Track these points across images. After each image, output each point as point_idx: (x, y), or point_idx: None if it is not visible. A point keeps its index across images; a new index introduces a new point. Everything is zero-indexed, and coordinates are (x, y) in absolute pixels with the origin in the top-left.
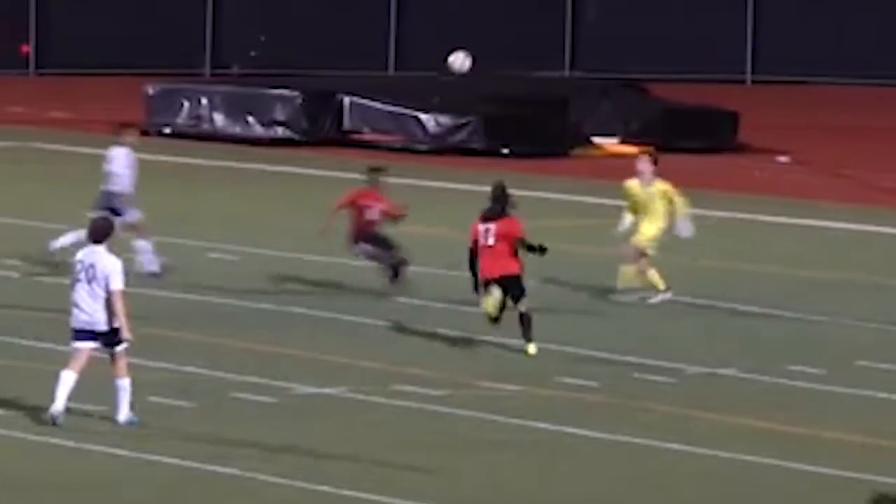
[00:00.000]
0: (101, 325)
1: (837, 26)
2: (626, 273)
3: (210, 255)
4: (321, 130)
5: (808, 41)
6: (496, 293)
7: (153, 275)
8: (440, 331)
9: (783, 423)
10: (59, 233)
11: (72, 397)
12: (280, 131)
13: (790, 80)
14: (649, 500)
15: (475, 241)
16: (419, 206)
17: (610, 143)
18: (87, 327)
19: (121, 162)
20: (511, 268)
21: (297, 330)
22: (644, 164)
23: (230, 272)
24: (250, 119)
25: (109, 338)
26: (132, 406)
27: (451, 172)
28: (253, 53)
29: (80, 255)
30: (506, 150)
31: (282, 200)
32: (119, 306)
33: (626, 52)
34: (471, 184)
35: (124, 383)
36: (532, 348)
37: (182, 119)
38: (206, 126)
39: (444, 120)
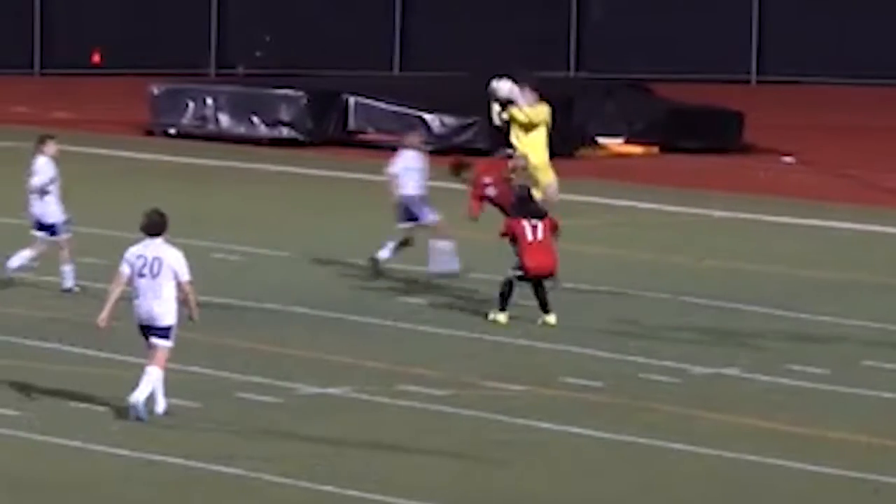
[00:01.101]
0: (162, 321)
1: (842, 26)
2: None
3: (214, 255)
4: (326, 131)
5: (812, 41)
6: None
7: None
8: (444, 331)
9: (787, 423)
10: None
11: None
12: (285, 131)
13: (795, 80)
14: (653, 500)
15: (515, 237)
16: None
17: (615, 144)
18: (149, 322)
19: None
20: (556, 260)
21: (302, 330)
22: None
23: (235, 272)
24: (255, 119)
25: (160, 332)
26: (148, 401)
27: None
28: (258, 53)
29: (136, 250)
30: (510, 151)
31: (286, 200)
32: (192, 296)
33: (631, 53)
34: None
35: (153, 371)
36: (552, 318)
37: (187, 119)
38: (211, 126)
39: (449, 120)
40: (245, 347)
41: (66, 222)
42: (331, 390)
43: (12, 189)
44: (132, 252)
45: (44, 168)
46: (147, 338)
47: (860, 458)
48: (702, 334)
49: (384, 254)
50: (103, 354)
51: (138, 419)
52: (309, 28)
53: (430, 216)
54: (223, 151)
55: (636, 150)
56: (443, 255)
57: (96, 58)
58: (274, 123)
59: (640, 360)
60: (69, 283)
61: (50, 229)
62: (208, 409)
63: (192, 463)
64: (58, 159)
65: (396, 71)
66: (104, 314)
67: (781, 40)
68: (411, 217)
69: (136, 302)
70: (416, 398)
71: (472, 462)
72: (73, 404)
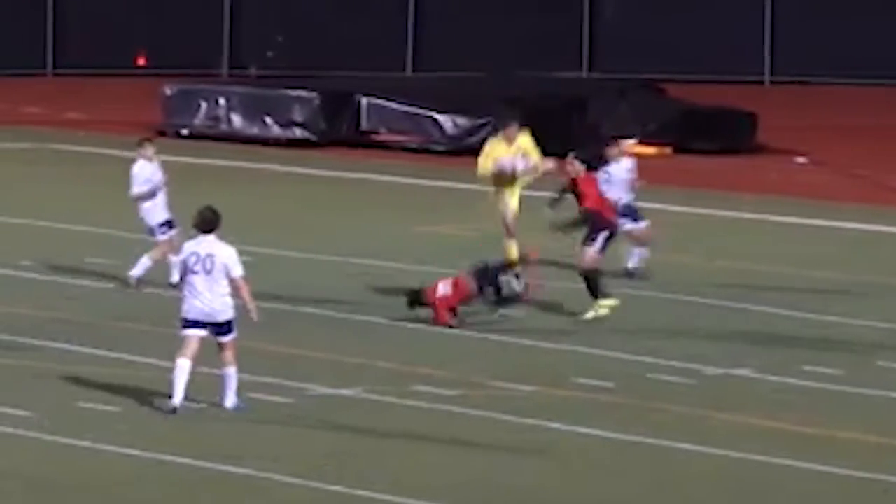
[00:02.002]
0: (219, 316)
1: (856, 27)
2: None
3: None
4: (339, 131)
5: (826, 42)
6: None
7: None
8: (454, 331)
9: (798, 424)
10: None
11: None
12: (298, 132)
13: (808, 80)
14: (664, 500)
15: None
16: (436, 206)
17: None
18: (204, 318)
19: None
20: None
21: (312, 330)
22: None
23: (246, 272)
24: (268, 120)
25: (223, 328)
26: (238, 392)
27: (468, 173)
28: (270, 54)
29: (190, 247)
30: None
31: (298, 201)
32: (245, 292)
33: (644, 53)
34: (488, 184)
35: (231, 371)
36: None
37: (200, 120)
38: (223, 127)
39: (462, 121)
40: (256, 348)
41: (163, 225)
42: (342, 391)
43: (27, 189)
44: (186, 249)
45: (140, 172)
46: (188, 327)
47: (870, 458)
48: (712, 335)
49: (633, 262)
50: (113, 354)
51: (238, 409)
52: (321, 29)
53: (635, 224)
54: (236, 152)
55: (649, 150)
56: (634, 259)
57: (141, 60)
58: (287, 124)
59: (650, 360)
60: (174, 277)
61: (149, 231)
62: (218, 410)
63: (201, 463)
64: (154, 160)
65: (409, 71)
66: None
67: (794, 41)
68: (634, 219)
69: (190, 298)
70: (425, 398)
71: (481, 462)
72: (82, 404)
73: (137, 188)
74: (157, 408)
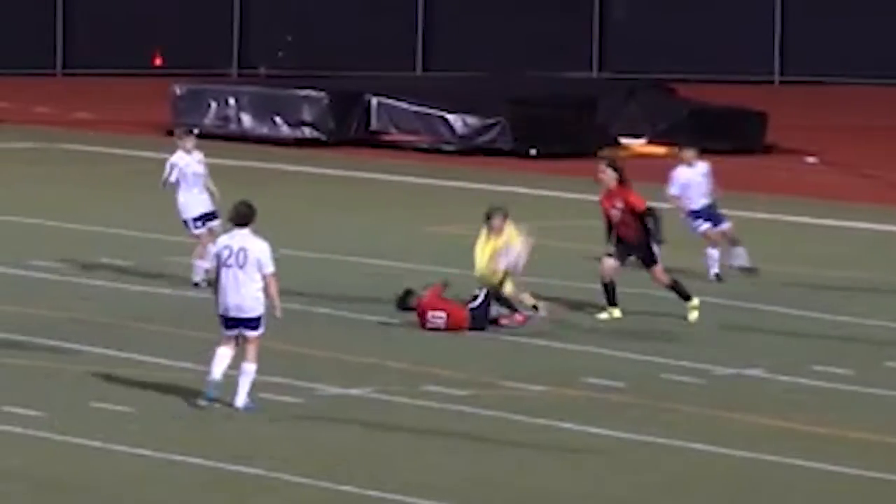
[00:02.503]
0: (248, 312)
1: (865, 26)
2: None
3: None
4: (348, 131)
5: (836, 41)
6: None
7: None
8: (465, 332)
9: (809, 424)
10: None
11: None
12: (307, 132)
13: (818, 80)
14: (674, 500)
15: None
16: (445, 206)
17: (637, 144)
18: (235, 313)
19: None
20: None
21: (322, 330)
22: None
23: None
24: (277, 120)
25: (251, 323)
26: (249, 392)
27: (478, 173)
28: (280, 54)
29: (224, 240)
30: (533, 151)
31: (308, 201)
32: (274, 289)
33: (654, 53)
34: (498, 184)
35: (249, 368)
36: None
37: (209, 120)
38: (233, 127)
39: (472, 121)
40: (266, 348)
41: (198, 219)
42: (352, 391)
43: (37, 189)
44: (219, 242)
45: (173, 161)
46: (228, 328)
47: (881, 458)
48: (723, 335)
49: (740, 262)
50: (123, 355)
51: (248, 410)
52: (331, 28)
53: (719, 224)
54: (245, 152)
55: (659, 150)
56: (739, 258)
57: (158, 60)
58: (296, 124)
59: (662, 360)
60: (198, 277)
61: (184, 225)
62: (228, 410)
63: (212, 463)
64: (193, 153)
65: (419, 71)
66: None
67: (804, 41)
68: (713, 222)
69: (221, 292)
70: (436, 398)
71: (492, 463)
72: (93, 404)
73: (165, 175)
74: (172, 408)
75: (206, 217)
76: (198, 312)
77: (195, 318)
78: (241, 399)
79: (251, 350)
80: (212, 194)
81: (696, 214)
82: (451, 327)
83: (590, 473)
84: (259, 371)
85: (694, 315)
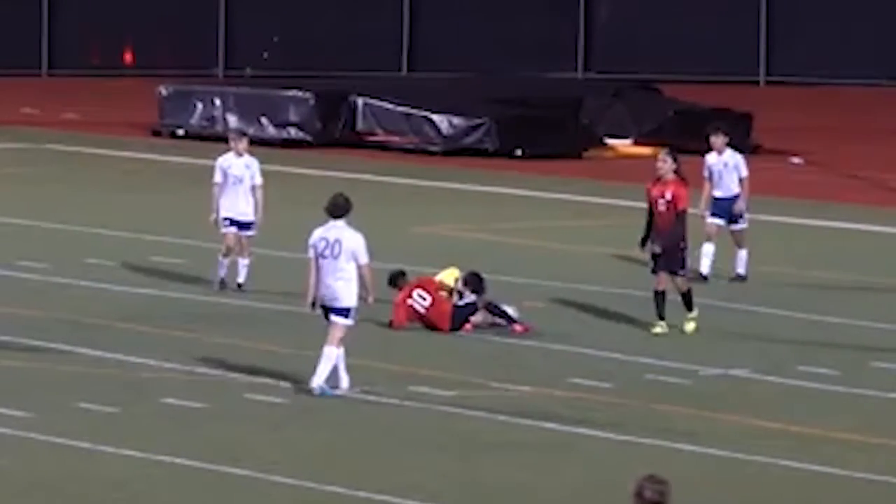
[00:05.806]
0: (341, 302)
1: (850, 27)
2: None
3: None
4: (334, 132)
5: (821, 42)
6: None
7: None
8: (452, 332)
9: (796, 424)
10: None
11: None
12: (293, 132)
13: (804, 81)
14: None
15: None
16: (432, 206)
17: (623, 145)
18: (330, 303)
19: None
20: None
21: (309, 331)
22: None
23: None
24: (263, 120)
25: (341, 312)
26: (328, 379)
27: (464, 174)
28: (266, 55)
29: (319, 232)
30: (519, 152)
31: (295, 202)
32: (369, 279)
33: (639, 54)
34: (483, 185)
35: (330, 352)
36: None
37: (195, 120)
38: (219, 127)
39: (458, 121)
40: (254, 348)
41: (226, 218)
42: (339, 391)
43: (23, 190)
44: (315, 234)
45: (220, 163)
46: (328, 319)
47: (866, 458)
48: (709, 335)
49: (739, 269)
50: (109, 355)
51: (322, 394)
52: (317, 29)
53: (734, 222)
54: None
55: (644, 151)
56: (740, 263)
57: (128, 57)
58: (282, 124)
59: (647, 361)
60: (241, 278)
61: (214, 222)
62: (216, 410)
63: (199, 464)
64: (244, 155)
65: (405, 72)
66: (308, 299)
67: (790, 41)
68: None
69: (318, 283)
70: (424, 399)
71: (479, 463)
72: (79, 405)
73: (214, 178)
74: (158, 408)
75: (236, 223)
76: (182, 313)
77: (181, 318)
78: (317, 380)
79: (336, 334)
80: (256, 203)
81: (715, 201)
82: (430, 316)
83: (576, 475)
84: (246, 371)
85: (690, 326)
